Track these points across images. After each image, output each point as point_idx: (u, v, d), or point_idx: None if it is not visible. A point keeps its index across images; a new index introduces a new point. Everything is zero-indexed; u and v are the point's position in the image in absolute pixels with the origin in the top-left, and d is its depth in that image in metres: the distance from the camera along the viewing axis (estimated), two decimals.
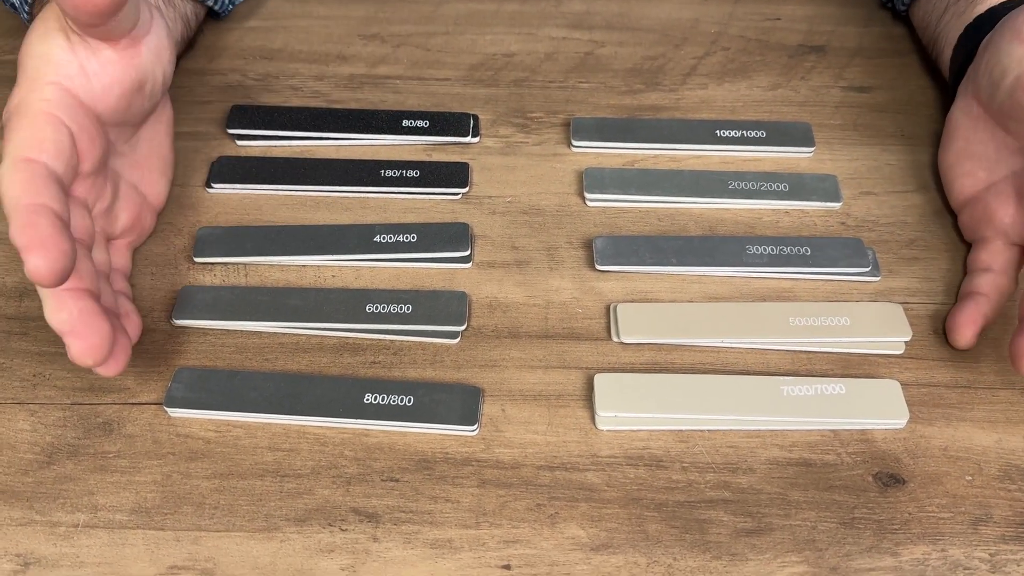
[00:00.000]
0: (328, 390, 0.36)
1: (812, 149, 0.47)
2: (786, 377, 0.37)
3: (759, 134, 0.47)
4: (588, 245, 0.43)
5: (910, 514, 0.34)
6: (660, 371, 0.38)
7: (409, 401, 0.36)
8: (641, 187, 0.45)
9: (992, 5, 0.45)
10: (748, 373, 0.38)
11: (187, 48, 0.52)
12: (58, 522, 0.33)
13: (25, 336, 0.39)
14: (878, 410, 0.36)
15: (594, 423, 0.36)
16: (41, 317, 0.39)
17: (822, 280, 0.42)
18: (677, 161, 0.47)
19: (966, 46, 0.45)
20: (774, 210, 0.45)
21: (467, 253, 0.42)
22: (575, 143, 0.47)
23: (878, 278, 0.42)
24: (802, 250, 0.42)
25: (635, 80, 0.51)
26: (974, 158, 0.42)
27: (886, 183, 0.46)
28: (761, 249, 0.42)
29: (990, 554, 0.33)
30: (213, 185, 0.45)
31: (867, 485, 0.35)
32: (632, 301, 0.41)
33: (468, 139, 0.47)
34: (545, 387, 0.37)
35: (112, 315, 0.35)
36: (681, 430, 0.36)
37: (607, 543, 0.33)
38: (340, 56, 0.53)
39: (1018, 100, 0.38)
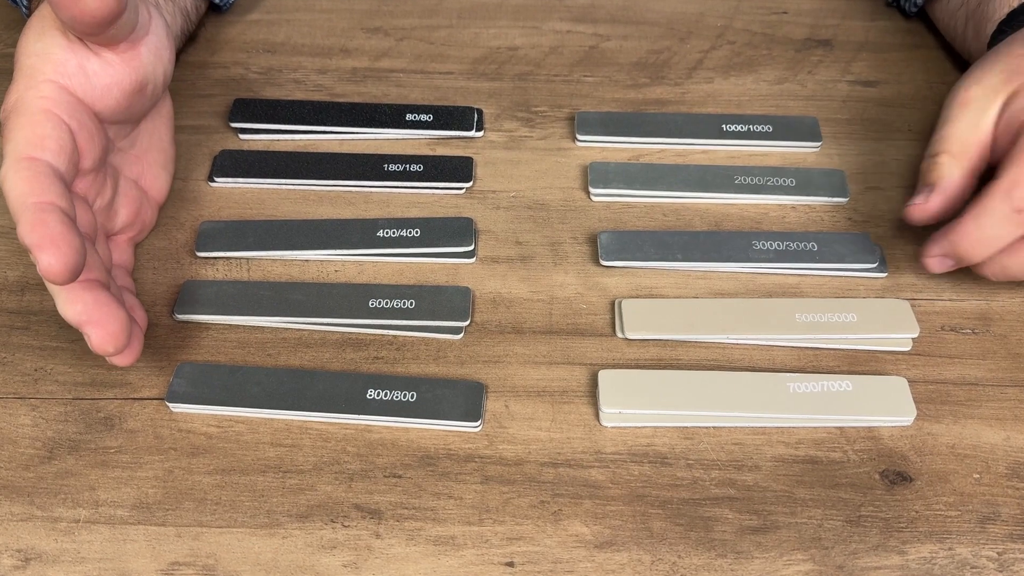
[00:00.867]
0: (331, 385, 0.36)
1: (819, 144, 0.47)
2: (792, 374, 0.37)
3: (765, 128, 0.47)
4: (592, 240, 0.42)
5: (917, 512, 0.34)
6: (665, 367, 0.38)
7: (412, 397, 0.36)
8: (646, 182, 0.44)
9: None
10: (754, 369, 0.38)
11: (188, 41, 0.52)
12: (59, 517, 0.33)
13: (26, 331, 0.39)
14: (885, 407, 0.36)
15: (598, 419, 0.36)
16: (42, 311, 0.39)
17: (829, 276, 0.41)
18: (683, 156, 0.47)
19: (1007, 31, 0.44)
20: (780, 205, 0.44)
21: (471, 248, 0.41)
22: (580, 137, 0.47)
23: (885, 274, 0.41)
24: (809, 246, 0.41)
25: (640, 74, 0.51)
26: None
27: (893, 178, 0.46)
28: (767, 244, 0.41)
29: (998, 553, 0.33)
30: (215, 179, 0.45)
31: (874, 483, 0.34)
32: (637, 297, 0.40)
33: (472, 133, 0.47)
34: (549, 383, 0.37)
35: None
36: (686, 427, 0.36)
37: (611, 540, 0.33)
38: (343, 49, 0.52)
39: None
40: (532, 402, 0.37)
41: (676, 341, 0.39)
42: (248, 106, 0.47)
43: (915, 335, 0.39)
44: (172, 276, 0.41)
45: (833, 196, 0.44)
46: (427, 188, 0.45)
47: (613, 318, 0.40)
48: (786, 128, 0.47)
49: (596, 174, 0.45)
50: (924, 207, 0.40)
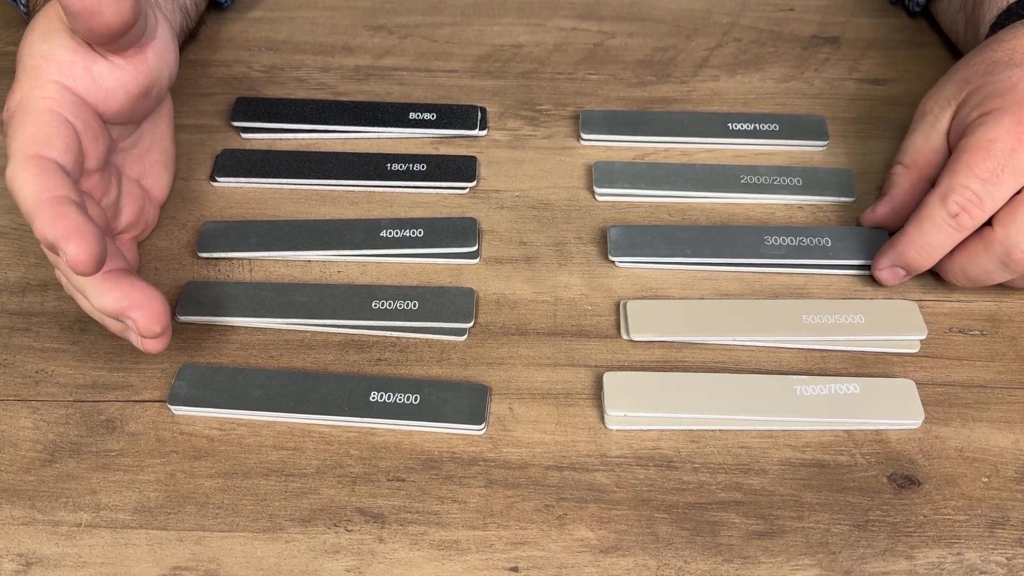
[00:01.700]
0: (333, 388, 0.36)
1: (826, 142, 0.46)
2: (799, 376, 0.37)
3: (772, 127, 0.47)
4: (598, 240, 0.42)
5: (925, 516, 0.33)
6: (671, 369, 0.37)
7: (415, 399, 0.36)
8: (652, 181, 0.44)
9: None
10: (761, 372, 0.37)
11: (189, 39, 0.51)
12: (60, 521, 0.33)
13: (27, 332, 0.38)
14: (893, 410, 0.36)
15: (603, 422, 0.36)
16: (44, 313, 0.39)
17: (836, 276, 0.41)
18: (688, 155, 0.46)
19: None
20: (787, 205, 0.44)
21: (475, 248, 0.41)
22: (584, 136, 0.46)
23: None
24: (822, 241, 0.41)
25: (645, 72, 0.51)
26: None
27: None
28: (780, 240, 0.41)
29: (1007, 558, 0.32)
30: (217, 179, 0.44)
31: (881, 487, 0.34)
32: (642, 298, 0.40)
33: (476, 132, 0.47)
34: (553, 385, 0.37)
35: None
36: (692, 430, 0.36)
37: (616, 545, 0.32)
38: (346, 47, 0.52)
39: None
40: (536, 405, 0.36)
41: (682, 343, 0.38)
42: (250, 105, 0.47)
43: (923, 337, 0.38)
44: (174, 277, 0.41)
45: (840, 196, 0.44)
46: (430, 188, 0.44)
47: (618, 319, 0.39)
48: (793, 127, 0.47)
49: (601, 173, 0.44)
50: (872, 213, 0.42)
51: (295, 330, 0.39)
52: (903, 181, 0.41)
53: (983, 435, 0.36)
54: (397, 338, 0.38)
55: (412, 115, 0.47)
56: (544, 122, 0.48)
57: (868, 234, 0.41)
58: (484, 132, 0.47)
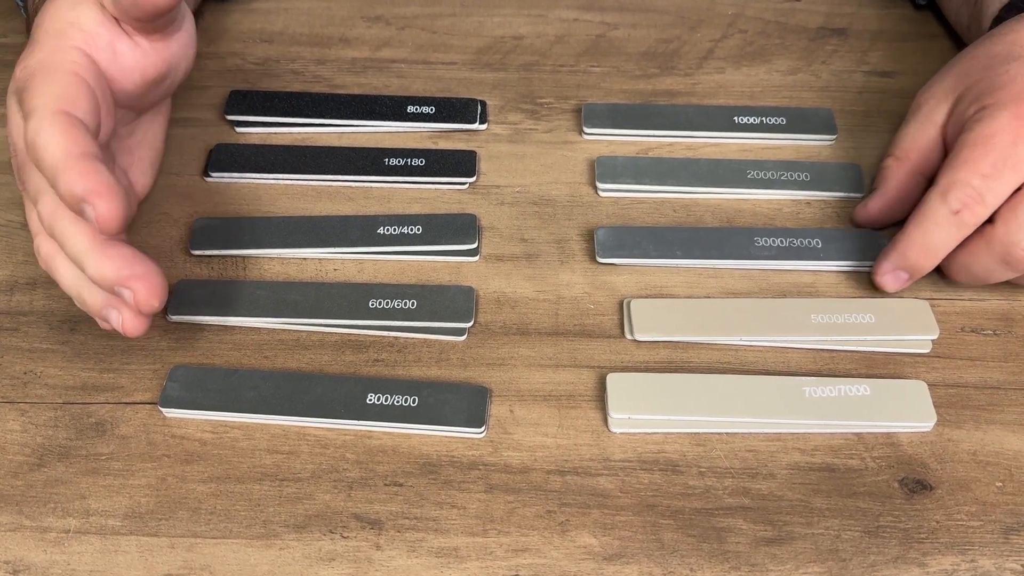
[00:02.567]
0: (329, 390, 0.35)
1: (834, 136, 0.45)
2: (808, 377, 0.36)
3: (779, 121, 0.46)
4: None
5: (938, 522, 0.32)
6: (676, 370, 0.36)
7: (413, 402, 0.35)
8: (655, 177, 0.43)
9: None
10: (768, 372, 0.36)
11: None
12: (48, 527, 0.32)
13: (15, 332, 0.37)
14: (904, 412, 0.35)
15: (607, 425, 0.35)
16: (32, 312, 0.38)
17: (844, 273, 0.40)
18: (693, 149, 0.45)
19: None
20: (795, 200, 0.43)
21: (474, 246, 0.40)
22: (587, 130, 0.45)
23: None
24: (813, 242, 0.40)
25: (649, 64, 0.50)
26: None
27: None
28: (770, 241, 0.40)
29: (1022, 565, 0.31)
30: (211, 174, 0.43)
31: (893, 492, 0.33)
32: (646, 296, 0.39)
33: (475, 126, 0.46)
34: (555, 387, 0.36)
35: None
36: (698, 433, 0.35)
37: (620, 552, 0.31)
38: (343, 39, 0.51)
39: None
40: (538, 407, 0.35)
41: (687, 343, 0.37)
42: (245, 98, 0.46)
43: (935, 337, 0.37)
44: (166, 275, 0.39)
45: (849, 191, 0.43)
46: (429, 183, 0.43)
47: (621, 319, 0.38)
48: (800, 120, 0.46)
49: (604, 169, 0.43)
50: (864, 209, 0.41)
51: (290, 330, 0.38)
52: (896, 175, 0.40)
53: (997, 438, 0.35)
54: (395, 338, 0.38)
55: (410, 108, 0.46)
56: (545, 116, 0.47)
57: (860, 235, 0.40)
58: (484, 126, 0.46)
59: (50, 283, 0.39)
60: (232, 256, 0.40)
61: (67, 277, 0.34)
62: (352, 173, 0.43)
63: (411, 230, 0.40)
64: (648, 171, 0.43)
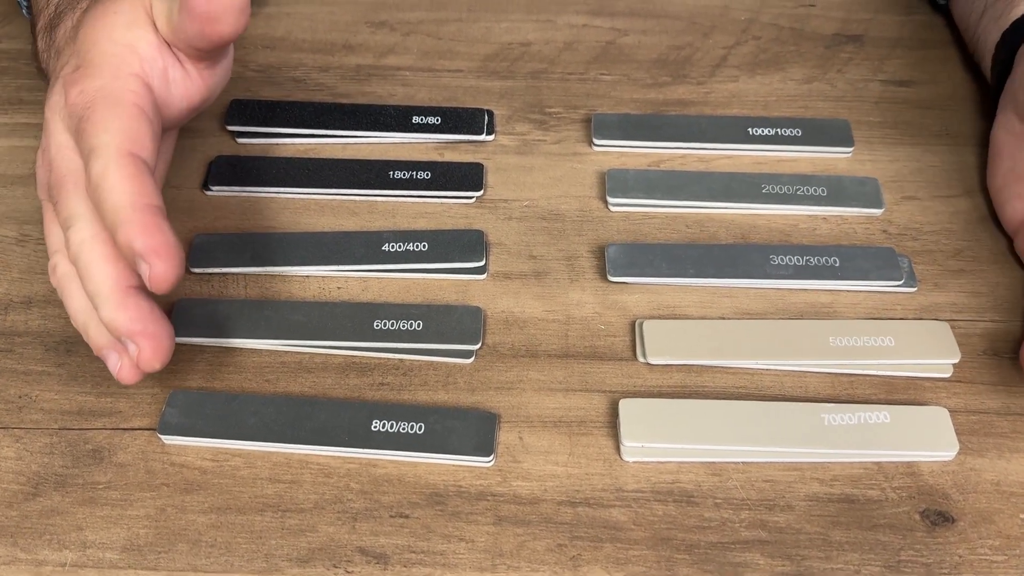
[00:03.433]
0: (333, 416, 0.34)
1: (851, 149, 0.44)
2: (827, 404, 0.35)
3: (794, 132, 0.44)
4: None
5: (960, 556, 0.31)
6: (690, 395, 0.35)
7: (420, 429, 0.34)
8: (668, 191, 0.42)
9: None
10: (785, 397, 0.35)
11: None
12: (44, 560, 0.31)
13: (10, 353, 0.36)
14: (925, 440, 0.34)
15: (619, 453, 0.34)
16: (27, 333, 0.37)
17: (864, 293, 0.39)
18: (706, 162, 0.44)
19: (1004, 53, 0.41)
20: (811, 216, 0.42)
21: (482, 263, 0.39)
22: (596, 141, 0.44)
23: (914, 289, 0.39)
24: (831, 260, 0.39)
25: (660, 72, 0.48)
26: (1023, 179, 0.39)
27: (930, 187, 0.43)
28: (786, 260, 0.39)
29: None
30: (211, 187, 0.42)
31: (914, 524, 0.32)
32: (658, 317, 0.38)
33: (482, 137, 0.44)
34: (566, 412, 0.35)
35: None
36: (714, 462, 0.34)
37: None
38: (346, 45, 0.50)
39: None
40: (548, 433, 0.34)
41: (702, 366, 0.36)
42: (245, 107, 0.45)
43: (956, 360, 0.36)
44: (165, 294, 0.38)
45: (867, 207, 0.42)
46: (435, 197, 0.42)
47: (633, 340, 0.37)
48: (816, 132, 0.44)
49: (614, 182, 0.42)
50: None
51: (292, 352, 0.37)
52: None
53: (1020, 467, 0.34)
54: (400, 360, 0.36)
55: (416, 119, 0.45)
56: (554, 126, 0.46)
57: (877, 254, 0.39)
58: (491, 137, 0.45)
59: (46, 302, 0.38)
60: (233, 274, 0.39)
61: (77, 306, 0.33)
62: (356, 187, 0.42)
63: (417, 247, 0.39)
64: (660, 185, 0.42)
